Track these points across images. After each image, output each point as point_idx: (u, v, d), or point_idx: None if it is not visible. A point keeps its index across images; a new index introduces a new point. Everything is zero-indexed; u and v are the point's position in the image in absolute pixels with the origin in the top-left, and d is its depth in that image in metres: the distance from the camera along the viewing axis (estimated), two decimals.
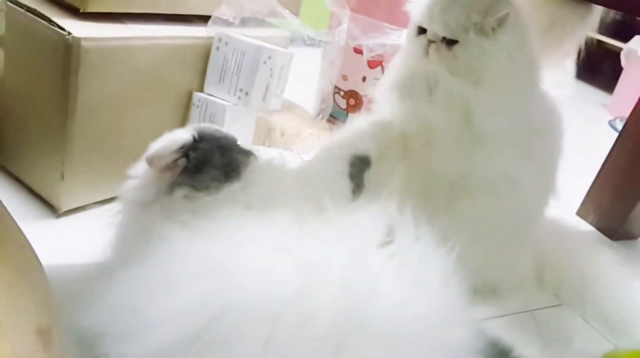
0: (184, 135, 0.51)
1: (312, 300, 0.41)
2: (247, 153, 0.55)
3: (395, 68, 0.68)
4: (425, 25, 0.61)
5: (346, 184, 0.56)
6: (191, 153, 0.51)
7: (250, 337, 0.39)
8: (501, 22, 0.59)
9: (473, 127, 0.61)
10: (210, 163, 0.51)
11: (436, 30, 0.59)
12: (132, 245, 0.49)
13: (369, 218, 0.51)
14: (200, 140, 0.52)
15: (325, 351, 0.39)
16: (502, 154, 0.64)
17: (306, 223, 0.49)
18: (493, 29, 0.59)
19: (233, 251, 0.44)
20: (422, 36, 0.61)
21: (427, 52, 0.60)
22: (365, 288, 0.43)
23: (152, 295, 0.42)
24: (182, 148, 0.50)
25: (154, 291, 0.42)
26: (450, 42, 0.59)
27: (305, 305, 0.41)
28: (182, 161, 0.51)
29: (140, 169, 0.53)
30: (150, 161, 0.50)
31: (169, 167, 0.50)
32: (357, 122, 0.64)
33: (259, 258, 0.44)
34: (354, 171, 0.57)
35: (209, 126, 0.56)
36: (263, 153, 0.58)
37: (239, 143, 0.56)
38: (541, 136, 0.68)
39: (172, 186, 0.51)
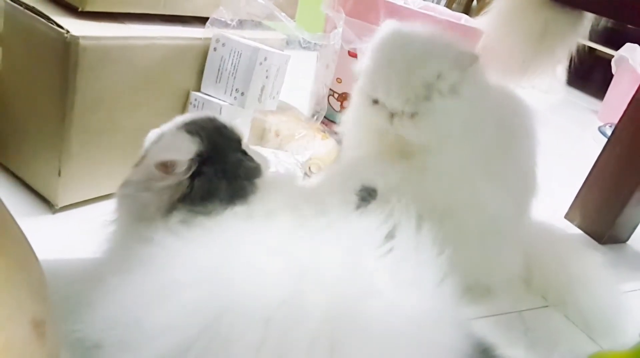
0: (190, 145, 0.49)
1: (305, 301, 0.41)
2: (255, 172, 0.53)
3: (355, 127, 0.69)
4: (382, 100, 0.60)
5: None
6: (196, 182, 0.49)
7: (244, 341, 0.39)
8: (458, 85, 0.59)
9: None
10: (215, 194, 0.49)
11: (396, 105, 0.59)
12: (125, 251, 0.48)
13: (367, 220, 0.51)
14: (205, 160, 0.49)
15: (318, 351, 0.40)
16: (468, 186, 0.65)
17: (303, 227, 0.49)
18: (452, 91, 0.59)
19: (227, 255, 0.44)
20: (379, 106, 0.61)
21: (390, 122, 0.61)
22: (358, 289, 0.43)
23: (148, 303, 0.42)
24: (192, 160, 0.48)
25: (149, 300, 0.42)
26: (411, 113, 0.60)
27: (297, 306, 0.41)
28: (184, 185, 0.48)
29: (137, 179, 0.50)
30: (160, 166, 0.48)
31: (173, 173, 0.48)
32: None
33: (253, 262, 0.44)
34: (360, 203, 0.57)
35: (211, 124, 0.53)
36: (267, 158, 0.56)
37: (244, 146, 0.54)
38: (513, 141, 0.69)
39: (171, 209, 0.48)
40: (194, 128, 0.51)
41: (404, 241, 0.49)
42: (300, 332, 0.40)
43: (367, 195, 0.58)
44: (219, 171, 0.50)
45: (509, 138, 0.68)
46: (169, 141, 0.51)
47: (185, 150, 0.49)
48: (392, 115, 0.61)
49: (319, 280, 0.43)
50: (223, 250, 0.45)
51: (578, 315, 0.74)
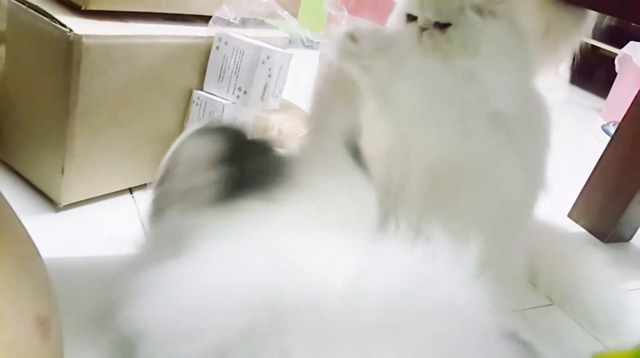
0: (210, 146, 0.49)
1: (359, 291, 0.41)
2: (284, 166, 0.52)
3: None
4: (415, 13, 0.60)
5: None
6: (217, 183, 0.48)
7: (304, 330, 0.39)
8: (501, 6, 0.58)
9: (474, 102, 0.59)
10: (247, 189, 0.48)
11: (428, 16, 0.59)
12: (168, 242, 0.48)
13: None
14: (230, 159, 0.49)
15: (374, 338, 0.39)
16: (485, 142, 0.62)
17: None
18: (491, 11, 0.58)
19: (286, 252, 0.44)
20: (411, 24, 0.60)
21: (420, 40, 0.60)
22: (414, 280, 0.43)
23: (201, 294, 0.41)
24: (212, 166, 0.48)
25: (202, 290, 0.41)
26: (443, 26, 0.58)
27: (352, 299, 0.41)
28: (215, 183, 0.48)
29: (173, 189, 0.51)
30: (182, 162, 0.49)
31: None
32: None
33: (305, 261, 0.44)
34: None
35: (231, 127, 0.52)
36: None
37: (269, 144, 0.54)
38: (529, 129, 0.67)
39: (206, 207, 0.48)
40: (214, 133, 0.51)
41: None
42: (355, 323, 0.39)
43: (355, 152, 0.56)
44: (243, 166, 0.49)
45: (530, 119, 0.67)
46: (187, 144, 0.51)
47: (207, 147, 0.49)
48: (422, 30, 0.59)
49: (376, 274, 0.43)
50: (278, 246, 0.45)
51: (582, 313, 0.74)
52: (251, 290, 0.41)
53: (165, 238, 0.50)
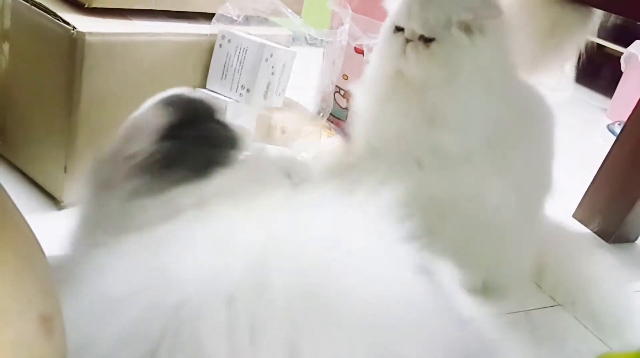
0: (161, 113, 0.48)
1: (268, 273, 0.40)
2: (231, 140, 0.50)
3: (370, 67, 0.68)
4: (402, 24, 0.60)
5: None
6: (161, 147, 0.47)
7: (211, 325, 0.38)
8: (487, 24, 0.59)
9: (438, 133, 0.61)
10: (182, 161, 0.47)
11: (414, 28, 0.59)
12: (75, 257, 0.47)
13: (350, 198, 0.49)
14: (180, 127, 0.48)
15: (286, 325, 0.38)
16: (469, 173, 0.64)
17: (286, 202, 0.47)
18: (478, 29, 0.59)
19: (166, 254, 0.42)
20: (398, 34, 0.61)
21: (404, 51, 0.60)
22: (327, 260, 0.42)
23: (90, 328, 0.39)
24: (157, 131, 0.47)
25: (91, 324, 0.39)
26: (428, 40, 0.59)
27: (260, 279, 0.39)
28: (150, 152, 0.47)
29: (104, 155, 0.50)
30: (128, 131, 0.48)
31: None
32: None
33: (200, 250, 0.42)
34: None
35: (183, 97, 0.51)
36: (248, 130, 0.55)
37: (220, 117, 0.52)
38: (526, 139, 0.68)
39: (131, 177, 0.47)
40: (165, 100, 0.50)
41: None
42: (267, 307, 0.38)
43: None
44: (188, 139, 0.48)
45: (526, 131, 0.67)
46: (139, 113, 0.51)
47: (155, 117, 0.48)
48: (407, 42, 0.60)
49: (286, 251, 0.41)
50: (159, 250, 0.43)
51: (586, 314, 0.74)
52: (149, 302, 0.39)
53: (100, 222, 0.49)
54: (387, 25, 0.64)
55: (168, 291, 0.39)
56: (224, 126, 0.52)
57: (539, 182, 0.72)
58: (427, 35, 0.59)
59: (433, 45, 0.59)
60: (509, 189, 0.66)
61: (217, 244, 0.42)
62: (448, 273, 0.48)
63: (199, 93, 0.54)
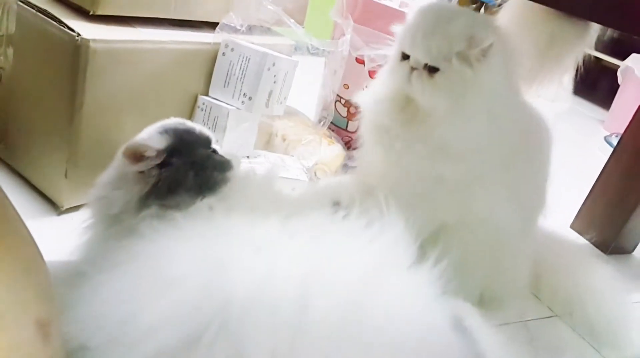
0: (159, 138, 0.51)
1: (309, 293, 0.42)
2: (225, 165, 0.54)
3: (378, 88, 0.69)
4: (408, 52, 0.61)
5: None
6: (163, 172, 0.50)
7: (256, 329, 0.39)
8: (485, 53, 0.59)
9: (446, 161, 0.62)
10: (182, 184, 0.50)
11: (418, 57, 0.60)
12: (105, 250, 0.48)
13: (352, 222, 0.51)
14: (173, 152, 0.51)
15: (321, 348, 0.40)
16: (476, 196, 0.64)
17: (286, 226, 0.49)
18: (477, 59, 0.59)
19: (222, 249, 0.44)
20: (405, 62, 0.61)
21: (409, 79, 0.61)
22: (365, 290, 0.44)
23: (139, 301, 0.41)
24: (160, 151, 0.50)
25: (142, 295, 0.41)
26: (432, 70, 0.59)
27: (302, 298, 0.41)
28: (153, 176, 0.50)
29: (108, 179, 0.52)
30: (129, 153, 0.50)
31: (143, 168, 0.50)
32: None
33: (250, 254, 0.44)
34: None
35: (181, 127, 0.54)
36: (238, 156, 0.57)
37: (215, 146, 0.55)
38: (531, 153, 0.69)
39: (140, 205, 0.50)
40: (163, 128, 0.54)
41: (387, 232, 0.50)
42: (303, 325, 0.40)
43: (337, 207, 0.58)
44: (187, 163, 0.51)
45: (527, 150, 0.68)
46: (138, 136, 0.53)
47: (155, 140, 0.51)
48: (412, 70, 0.61)
49: (327, 282, 0.43)
50: (215, 244, 0.45)
51: (583, 325, 0.74)
52: (200, 290, 0.41)
53: (102, 243, 0.51)
54: (395, 51, 0.65)
55: (222, 284, 0.41)
56: (215, 151, 0.55)
57: (537, 198, 0.73)
58: (431, 64, 0.59)
59: (437, 75, 0.59)
60: (515, 208, 0.67)
61: (266, 250, 0.45)
62: (484, 330, 0.49)
63: (192, 124, 0.57)
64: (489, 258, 0.67)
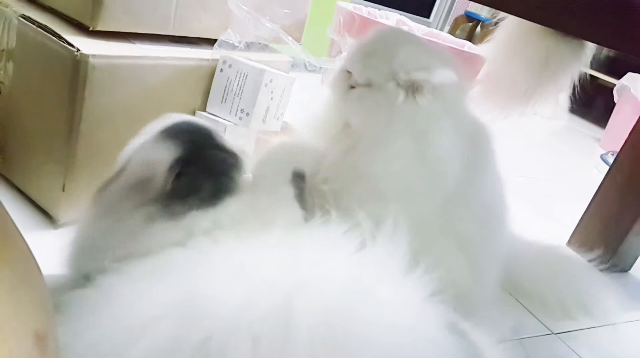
0: (168, 152, 0.49)
1: (292, 310, 0.40)
2: (235, 166, 0.52)
3: (321, 102, 0.69)
4: (349, 68, 0.62)
5: (298, 212, 0.55)
6: (174, 182, 0.48)
7: (238, 351, 0.38)
8: (420, 87, 0.57)
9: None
10: (194, 195, 0.49)
11: (356, 72, 0.60)
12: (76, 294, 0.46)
13: (334, 229, 0.50)
14: (189, 160, 0.49)
15: None
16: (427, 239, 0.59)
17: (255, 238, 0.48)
18: (412, 90, 0.58)
19: (196, 281, 0.43)
20: (346, 77, 0.62)
21: (346, 93, 0.61)
22: (352, 300, 0.42)
23: (115, 348, 0.40)
24: (170, 168, 0.48)
25: (116, 345, 0.40)
26: (366, 88, 0.60)
27: (285, 318, 0.40)
28: (163, 182, 0.48)
29: (117, 189, 0.50)
30: (143, 168, 0.48)
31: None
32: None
33: (226, 282, 0.42)
34: (297, 191, 0.56)
35: (194, 129, 0.52)
36: (244, 149, 0.56)
37: (226, 145, 0.54)
38: (476, 172, 0.63)
39: (138, 206, 0.48)
40: (171, 131, 0.52)
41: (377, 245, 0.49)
42: (291, 346, 0.39)
43: (299, 180, 0.57)
44: (202, 172, 0.50)
45: (475, 178, 0.63)
46: (141, 142, 0.52)
47: (167, 152, 0.49)
48: (350, 87, 0.61)
49: (311, 295, 0.42)
50: (189, 277, 0.43)
51: (581, 343, 0.74)
52: (178, 330, 0.39)
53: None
54: (339, 68, 0.64)
55: (197, 321, 0.39)
56: (224, 151, 0.53)
57: (497, 210, 0.68)
58: (364, 84, 0.60)
59: (365, 91, 0.59)
60: (470, 244, 0.63)
61: (241, 275, 0.43)
62: (482, 336, 0.48)
63: (197, 118, 0.55)
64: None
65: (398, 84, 0.58)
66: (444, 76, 0.58)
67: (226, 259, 0.45)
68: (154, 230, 0.47)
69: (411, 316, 0.44)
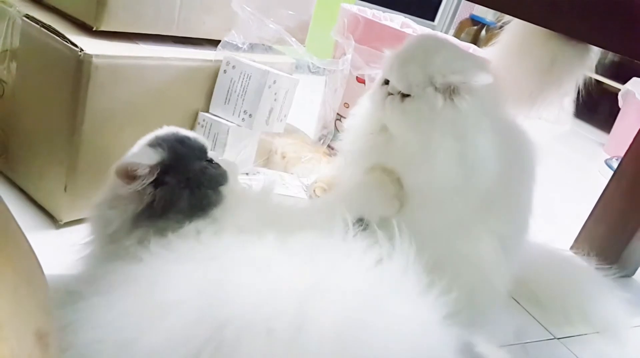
0: (152, 153, 0.50)
1: (307, 311, 0.41)
2: (220, 178, 0.52)
3: (358, 111, 0.70)
4: (387, 77, 0.62)
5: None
6: (158, 192, 0.49)
7: (251, 351, 0.39)
8: (458, 90, 0.58)
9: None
10: (176, 206, 0.49)
11: (394, 82, 0.61)
12: (103, 271, 0.47)
13: (355, 242, 0.51)
14: (167, 167, 0.49)
15: None
16: (460, 236, 0.62)
17: (286, 244, 0.48)
18: (450, 94, 0.59)
19: (219, 270, 0.44)
20: (385, 87, 0.62)
21: (384, 103, 0.62)
22: (365, 304, 0.43)
23: (139, 325, 0.41)
24: (153, 168, 0.49)
25: (142, 321, 0.41)
26: (405, 96, 0.60)
27: (299, 316, 0.41)
28: (149, 194, 0.49)
29: (104, 198, 0.51)
30: (122, 173, 0.49)
31: (136, 185, 0.49)
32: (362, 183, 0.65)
33: (246, 275, 0.44)
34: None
35: (174, 138, 0.53)
36: (236, 164, 0.56)
37: (211, 154, 0.54)
38: (511, 188, 0.66)
39: (133, 225, 0.49)
40: (155, 141, 0.52)
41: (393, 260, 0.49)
42: (305, 342, 0.40)
43: (359, 225, 0.57)
44: (181, 180, 0.50)
45: (510, 181, 0.65)
46: (131, 153, 0.52)
47: (147, 157, 0.49)
48: (388, 94, 0.61)
49: (326, 300, 0.43)
50: (212, 266, 0.45)
51: (584, 348, 0.73)
52: (197, 312, 0.41)
53: (100, 263, 0.50)
54: (380, 76, 0.65)
55: (216, 307, 0.41)
56: (209, 162, 0.54)
57: (521, 222, 0.70)
58: (403, 91, 0.60)
59: (407, 101, 0.60)
60: (498, 240, 0.64)
61: (262, 271, 0.44)
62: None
63: (186, 131, 0.56)
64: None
65: (436, 89, 0.59)
66: (480, 77, 0.59)
67: (249, 254, 0.46)
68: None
69: (422, 331, 0.44)
